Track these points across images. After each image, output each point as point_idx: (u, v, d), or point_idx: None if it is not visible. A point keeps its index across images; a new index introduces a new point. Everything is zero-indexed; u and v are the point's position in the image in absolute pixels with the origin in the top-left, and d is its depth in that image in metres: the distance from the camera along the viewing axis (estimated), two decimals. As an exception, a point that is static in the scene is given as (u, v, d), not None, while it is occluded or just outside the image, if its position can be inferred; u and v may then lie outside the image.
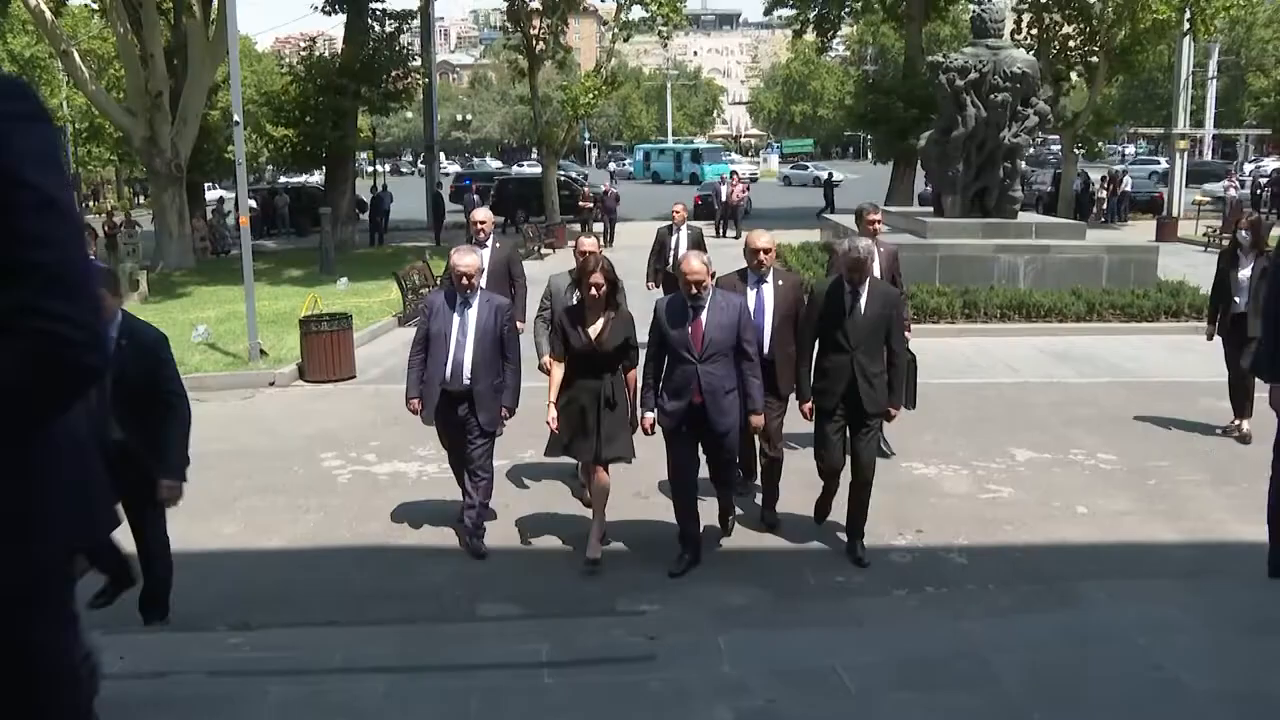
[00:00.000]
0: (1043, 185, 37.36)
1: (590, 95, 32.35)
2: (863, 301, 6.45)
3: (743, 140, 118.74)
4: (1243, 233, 9.22)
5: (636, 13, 32.51)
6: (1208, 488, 7.57)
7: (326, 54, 33.98)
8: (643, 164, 76.82)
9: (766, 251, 7.27)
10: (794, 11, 37.15)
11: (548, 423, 6.76)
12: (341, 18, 31.51)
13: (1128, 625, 4.46)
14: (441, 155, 53.21)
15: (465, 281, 6.86)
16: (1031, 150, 19.43)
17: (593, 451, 6.65)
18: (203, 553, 6.66)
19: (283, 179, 48.92)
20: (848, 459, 6.58)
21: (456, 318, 6.94)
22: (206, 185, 39.27)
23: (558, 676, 4.04)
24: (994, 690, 3.83)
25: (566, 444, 6.76)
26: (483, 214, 9.25)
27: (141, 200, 52.06)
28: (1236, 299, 9.02)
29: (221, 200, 38.28)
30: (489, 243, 8.96)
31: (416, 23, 34.17)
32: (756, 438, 7.23)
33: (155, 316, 17.22)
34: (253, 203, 30.23)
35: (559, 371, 6.78)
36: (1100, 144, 40.03)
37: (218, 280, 21.87)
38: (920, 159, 19.69)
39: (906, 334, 7.07)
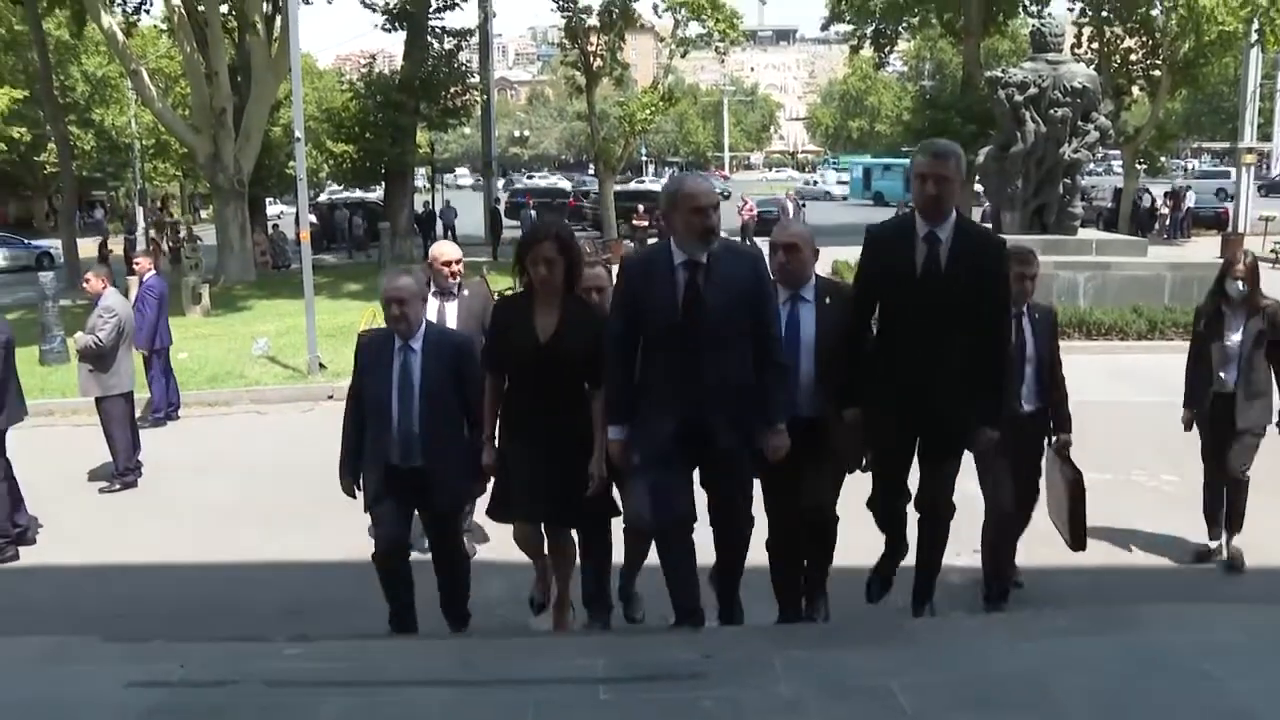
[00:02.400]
0: (1103, 201, 36.88)
1: (647, 111, 32.46)
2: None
3: (799, 156, 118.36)
4: (1235, 283, 6.67)
5: (694, 29, 32.63)
6: (1274, 512, 7.43)
7: (386, 71, 34.40)
8: (861, 182, 65.68)
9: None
10: (851, 27, 37.00)
11: (483, 469, 5.13)
12: (401, 35, 31.90)
13: (1191, 650, 4.37)
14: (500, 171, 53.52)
15: (398, 311, 5.16)
16: (1092, 165, 19.22)
17: (538, 512, 5.00)
18: (267, 563, 6.76)
19: (343, 193, 49.39)
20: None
21: (396, 369, 5.23)
22: (268, 200, 39.81)
23: (613, 692, 4.03)
24: (1054, 713, 3.76)
25: (509, 501, 5.05)
26: (451, 251, 6.88)
27: (204, 215, 52.88)
28: (1222, 374, 6.71)
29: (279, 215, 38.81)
30: (458, 291, 6.73)
31: (475, 40, 34.50)
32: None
33: (216, 330, 17.54)
34: (313, 218, 30.58)
35: (494, 391, 5.06)
36: (1163, 159, 39.46)
37: (278, 294, 22.20)
38: (979, 175, 19.55)
39: None
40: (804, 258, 5.09)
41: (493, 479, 5.19)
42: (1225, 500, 6.72)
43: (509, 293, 5.97)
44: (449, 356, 5.27)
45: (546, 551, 5.33)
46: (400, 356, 5.23)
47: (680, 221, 4.51)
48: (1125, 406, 10.69)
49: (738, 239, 10.79)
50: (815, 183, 69.16)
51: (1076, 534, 5.92)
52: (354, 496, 5.45)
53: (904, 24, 37.85)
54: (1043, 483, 6.13)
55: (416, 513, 5.48)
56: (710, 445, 4.54)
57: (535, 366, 4.84)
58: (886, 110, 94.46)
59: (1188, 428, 6.93)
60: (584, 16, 33.36)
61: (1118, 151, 34.85)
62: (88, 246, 32.46)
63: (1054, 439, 6.04)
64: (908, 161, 73.68)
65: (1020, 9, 34.66)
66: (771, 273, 5.09)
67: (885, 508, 5.09)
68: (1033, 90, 16.79)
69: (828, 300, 5.05)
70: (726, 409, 4.53)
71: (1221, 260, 10.75)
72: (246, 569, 7.06)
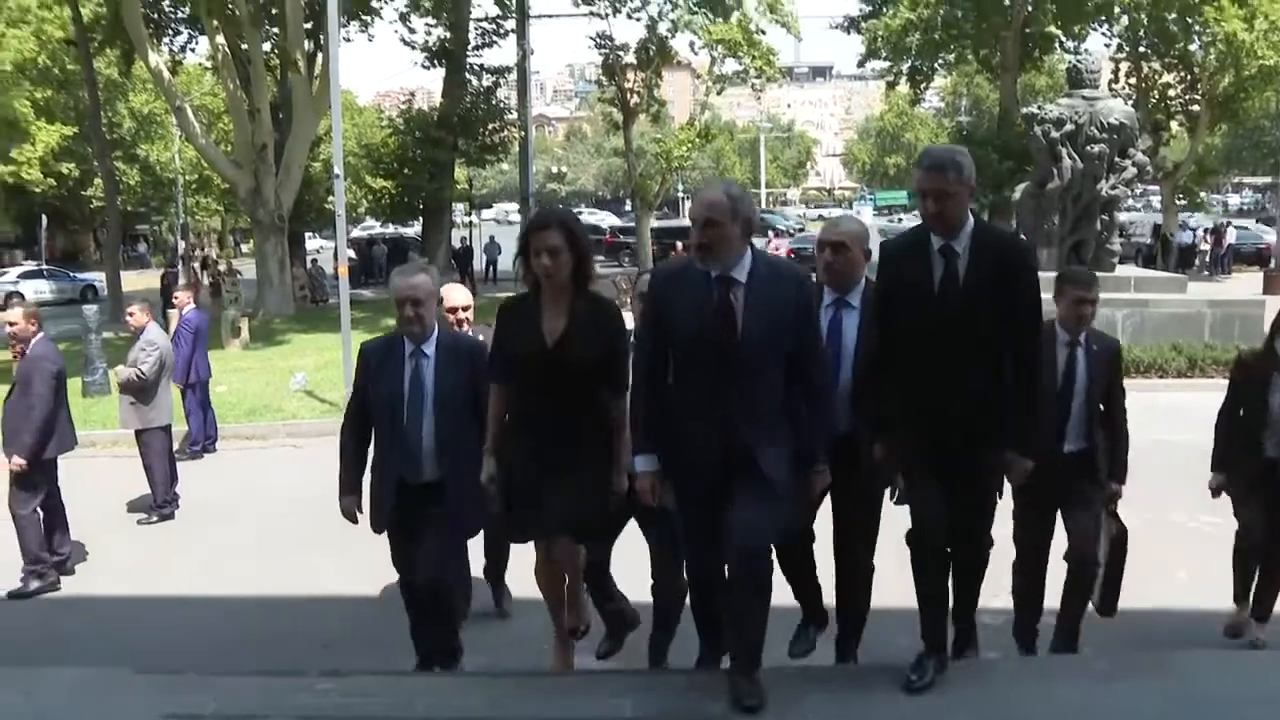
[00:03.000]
0: (1142, 237, 36.62)
1: (684, 148, 32.62)
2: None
3: (836, 193, 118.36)
4: None
5: (730, 66, 32.80)
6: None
7: (425, 107, 34.76)
8: None
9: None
10: (887, 64, 37.05)
11: (483, 483, 4.62)
12: (440, 72, 32.23)
13: (1236, 697, 4.29)
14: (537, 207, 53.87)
15: (412, 312, 4.83)
16: (1130, 201, 19.12)
17: (544, 527, 4.50)
18: (300, 597, 6.79)
19: (379, 228, 49.89)
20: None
21: (407, 376, 4.90)
22: (307, 235, 40.27)
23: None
24: (1090, 760, 3.70)
25: (509, 517, 4.63)
26: (460, 296, 6.18)
27: (244, 249, 53.51)
28: (1266, 441, 5.83)
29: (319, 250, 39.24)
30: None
31: (513, 76, 34.80)
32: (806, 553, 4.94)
33: (255, 363, 17.69)
34: (351, 252, 30.88)
35: (499, 403, 4.60)
36: (1203, 194, 39.18)
37: (316, 328, 22.38)
38: (1015, 212, 19.47)
39: None
40: (853, 258, 4.78)
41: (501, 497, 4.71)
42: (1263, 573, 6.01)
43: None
44: (465, 362, 4.90)
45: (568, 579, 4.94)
46: (412, 362, 4.88)
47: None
48: (1164, 446, 10.53)
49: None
50: (900, 219, 66.82)
51: (1108, 597, 5.55)
52: (354, 520, 5.10)
53: (940, 60, 37.87)
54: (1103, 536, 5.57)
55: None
56: (741, 476, 4.10)
57: (543, 373, 4.36)
58: (923, 146, 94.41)
59: (1216, 494, 6.16)
60: (621, 54, 33.65)
61: (1157, 187, 34.63)
62: (131, 280, 32.96)
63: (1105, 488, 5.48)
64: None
65: (1057, 45, 34.62)
66: (817, 274, 4.88)
67: (918, 549, 4.60)
68: (1069, 126, 16.72)
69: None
70: (760, 438, 4.10)
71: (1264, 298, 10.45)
72: (280, 602, 7.09)
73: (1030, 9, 32.09)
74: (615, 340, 4.44)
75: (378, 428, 4.98)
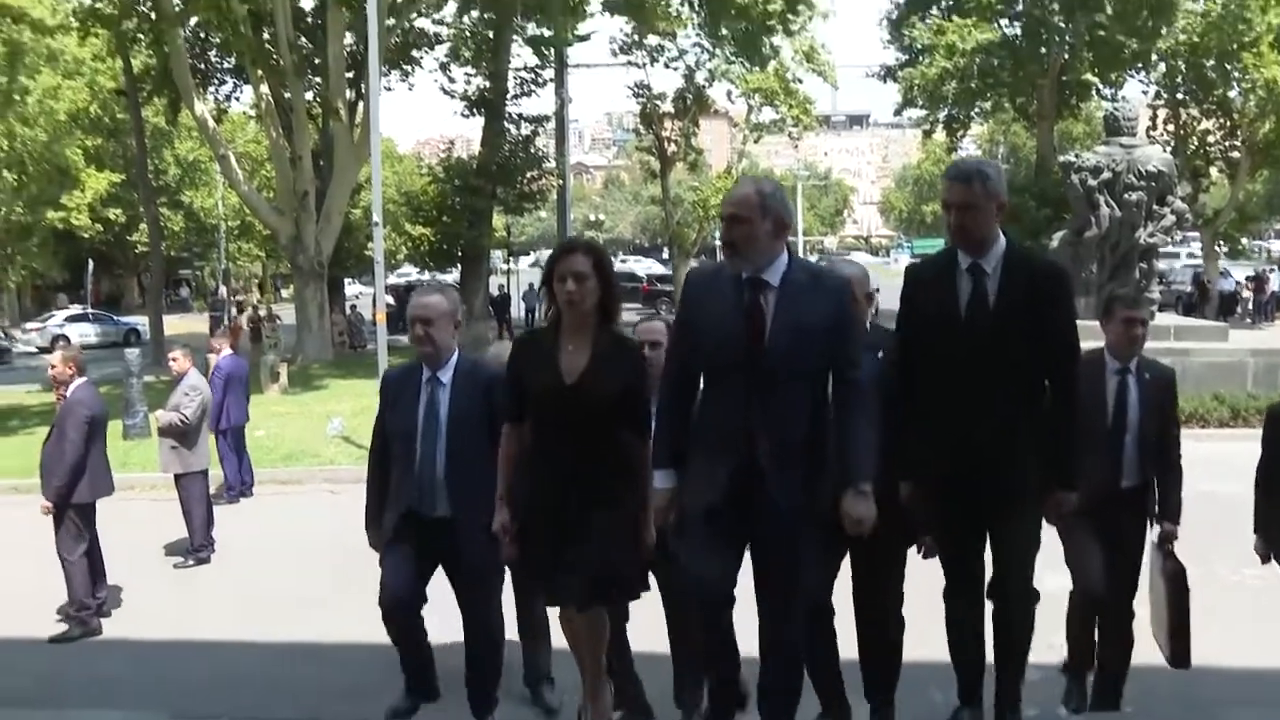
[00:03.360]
0: (1182, 285, 36.31)
1: (721, 196, 32.68)
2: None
3: (873, 240, 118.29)
4: None
5: (767, 114, 33.02)
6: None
7: (464, 155, 35.15)
8: None
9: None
10: (924, 112, 37.17)
11: (495, 531, 4.30)
12: (480, 120, 32.60)
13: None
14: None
15: (422, 332, 4.65)
16: (1170, 248, 19.00)
17: (570, 590, 4.13)
18: (333, 643, 6.79)
19: (415, 274, 50.30)
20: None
21: (422, 404, 4.73)
22: (346, 281, 40.68)
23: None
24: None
25: (528, 575, 4.45)
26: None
27: (284, 294, 54.13)
28: None
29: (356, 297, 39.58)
30: None
31: (552, 125, 35.13)
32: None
33: (293, 408, 17.82)
34: (390, 299, 31.16)
35: (511, 444, 4.30)
36: (1244, 241, 38.84)
37: (353, 374, 22.52)
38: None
39: None
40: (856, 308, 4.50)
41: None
42: None
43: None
44: (482, 390, 4.67)
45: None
46: (428, 389, 4.70)
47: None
48: (1207, 497, 10.35)
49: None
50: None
51: (1179, 645, 5.14)
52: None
53: (976, 109, 37.91)
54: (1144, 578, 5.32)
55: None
56: (763, 505, 3.75)
57: (561, 412, 4.07)
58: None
59: (1265, 559, 5.81)
60: (659, 103, 33.99)
61: (1197, 234, 34.39)
62: (173, 324, 33.35)
63: (1158, 528, 5.20)
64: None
65: (1094, 92, 34.58)
66: None
67: (951, 605, 4.37)
68: (1106, 174, 16.66)
69: (880, 355, 4.39)
70: (785, 460, 3.75)
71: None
72: (314, 648, 7.10)
73: (1067, 57, 32.11)
74: (637, 379, 4.14)
75: (394, 457, 4.81)
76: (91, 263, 46.94)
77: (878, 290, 4.96)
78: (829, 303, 3.81)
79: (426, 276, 47.38)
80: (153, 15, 24.64)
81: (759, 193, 3.84)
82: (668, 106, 35.09)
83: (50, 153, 30.36)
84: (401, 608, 4.74)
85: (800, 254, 4.34)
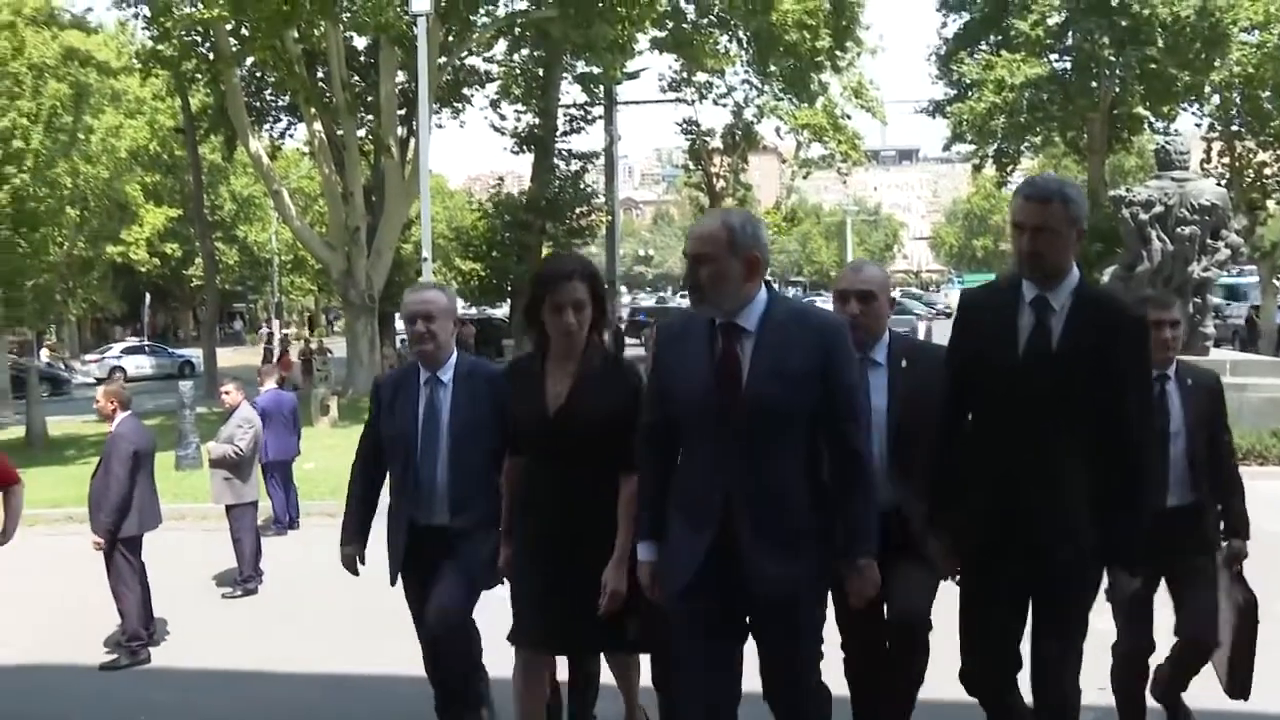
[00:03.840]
0: (1237, 319, 35.74)
1: (770, 231, 32.67)
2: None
3: (923, 275, 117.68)
4: None
5: (816, 150, 33.05)
6: None
7: (514, 191, 35.50)
8: None
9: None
10: (973, 147, 37.04)
11: (500, 566, 4.32)
12: (530, 157, 32.92)
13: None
14: (623, 289, 54.43)
15: (423, 329, 4.41)
16: (1237, 279, 18.76)
17: (563, 637, 4.01)
18: (379, 675, 6.83)
19: (462, 308, 50.76)
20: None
21: (422, 407, 4.50)
22: (396, 315, 41.10)
23: None
24: None
25: (524, 624, 4.07)
26: None
27: (335, 329, 54.78)
28: None
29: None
30: None
31: (601, 161, 35.38)
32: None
33: (342, 441, 17.92)
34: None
35: (512, 475, 4.21)
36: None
37: (403, 406, 22.62)
38: (1105, 294, 19.17)
39: None
40: (879, 308, 4.21)
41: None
42: None
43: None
44: (484, 391, 4.40)
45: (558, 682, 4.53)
46: (426, 391, 4.46)
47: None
48: (1265, 535, 10.15)
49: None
50: None
51: (1239, 676, 4.79)
52: (354, 572, 4.81)
53: (1026, 143, 37.71)
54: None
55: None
56: (748, 580, 3.36)
57: (547, 444, 3.89)
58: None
59: None
60: (708, 139, 34.11)
61: (1254, 267, 33.90)
62: (226, 356, 33.88)
63: (1224, 546, 4.88)
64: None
65: (1146, 126, 34.28)
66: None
67: (980, 688, 3.85)
68: (1159, 208, 16.50)
69: (904, 364, 4.15)
70: (766, 532, 3.34)
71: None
72: (360, 679, 7.14)
73: (1118, 90, 31.90)
74: (628, 401, 3.83)
75: (391, 467, 4.57)
76: (149, 296, 47.97)
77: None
78: (817, 346, 3.37)
79: (474, 311, 47.89)
80: (211, 56, 25.20)
81: (727, 226, 3.38)
82: (716, 142, 35.23)
83: (111, 189, 30.97)
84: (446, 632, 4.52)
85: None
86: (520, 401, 4.03)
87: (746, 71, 33.47)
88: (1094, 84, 32.57)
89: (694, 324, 3.53)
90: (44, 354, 41.00)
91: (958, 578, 3.91)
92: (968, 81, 33.48)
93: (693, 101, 34.16)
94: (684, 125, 35.35)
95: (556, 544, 3.91)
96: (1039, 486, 3.54)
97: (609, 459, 3.84)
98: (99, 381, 28.75)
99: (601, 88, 32.44)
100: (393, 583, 4.72)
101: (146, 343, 45.95)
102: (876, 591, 3.53)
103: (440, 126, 31.67)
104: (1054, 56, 32.98)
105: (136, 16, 25.76)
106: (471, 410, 4.40)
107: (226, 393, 10.08)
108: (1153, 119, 33.33)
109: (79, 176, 25.38)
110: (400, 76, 27.42)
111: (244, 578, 9.36)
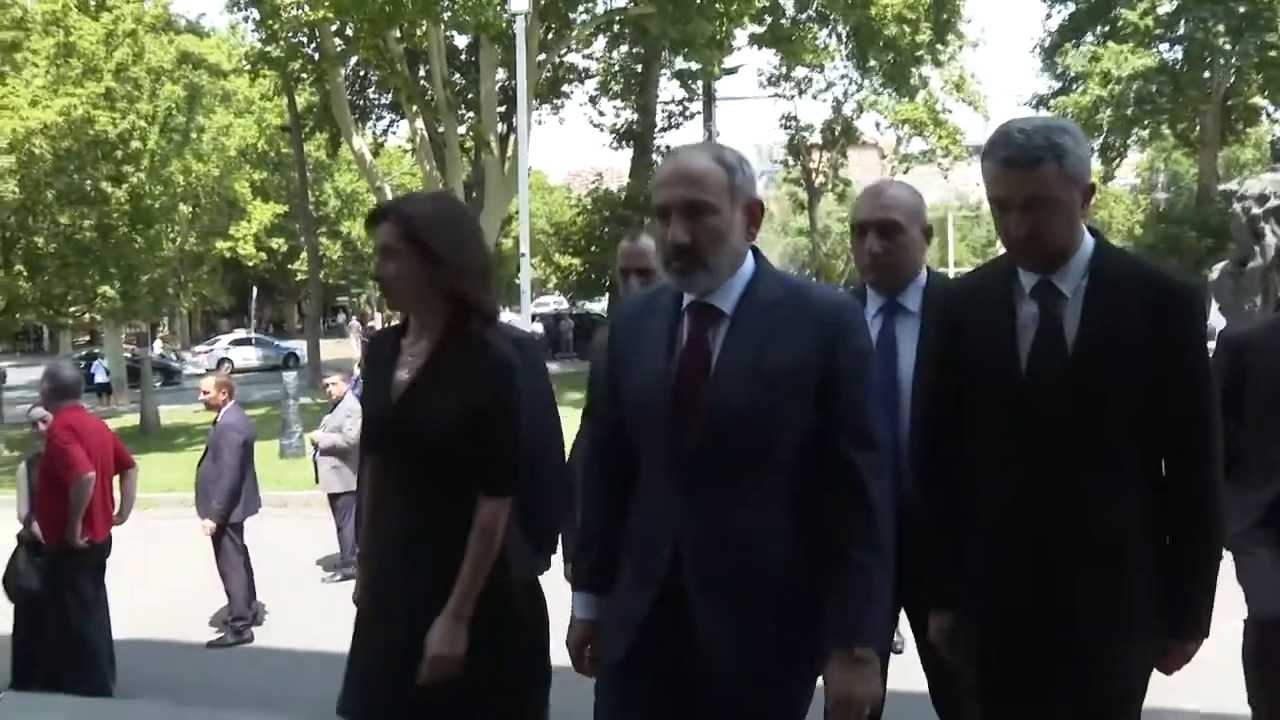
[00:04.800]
0: (1361, 320, 34.39)
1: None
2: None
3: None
4: None
5: (916, 145, 32.62)
6: None
7: (613, 187, 35.70)
8: None
9: None
10: (1078, 140, 36.05)
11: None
12: (628, 152, 33.08)
13: None
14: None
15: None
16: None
17: (356, 698, 2.90)
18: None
19: (554, 303, 51.19)
20: None
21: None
22: (496, 308, 41.57)
23: None
24: None
25: (346, 687, 2.96)
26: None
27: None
28: None
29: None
30: None
31: (699, 157, 35.30)
32: None
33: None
34: (539, 327, 31.79)
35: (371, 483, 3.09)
36: None
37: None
38: (1214, 293, 18.66)
39: None
40: (907, 242, 3.24)
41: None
42: None
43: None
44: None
45: None
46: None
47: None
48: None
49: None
50: None
51: None
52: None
53: (1134, 136, 36.76)
54: None
55: None
56: (701, 665, 2.36)
57: (384, 447, 2.95)
58: (1118, 224, 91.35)
59: None
60: (806, 134, 33.88)
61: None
62: (329, 348, 34.68)
63: None
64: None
65: (1263, 116, 33.18)
66: (858, 268, 3.35)
67: None
68: (1273, 202, 15.98)
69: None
70: (731, 597, 2.34)
71: None
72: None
73: (1233, 80, 30.92)
74: (488, 400, 2.75)
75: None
76: (255, 290, 49.31)
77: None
78: (815, 337, 2.34)
79: (564, 305, 48.30)
80: (316, 56, 25.79)
81: (724, 164, 2.38)
82: (815, 138, 35.01)
83: (221, 186, 32.05)
84: None
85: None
86: (367, 385, 3.10)
87: (846, 66, 33.21)
88: (1206, 74, 31.60)
89: (659, 301, 2.53)
90: (158, 345, 42.49)
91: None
92: (1072, 74, 32.76)
93: (791, 97, 34.01)
94: (783, 120, 35.18)
95: (391, 584, 2.87)
96: (1059, 528, 2.51)
97: (457, 472, 2.78)
98: (207, 372, 29.67)
99: (700, 84, 32.42)
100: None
101: (253, 335, 47.26)
102: (871, 699, 2.34)
103: (540, 123, 31.98)
104: (1164, 47, 32.08)
105: (246, 20, 26.51)
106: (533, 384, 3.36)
107: (332, 384, 10.36)
108: (1271, 109, 32.25)
109: (191, 175, 26.31)
110: (500, 74, 27.74)
111: (345, 563, 9.61)
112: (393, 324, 3.12)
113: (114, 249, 22.21)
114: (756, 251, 2.51)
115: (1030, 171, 2.45)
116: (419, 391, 2.83)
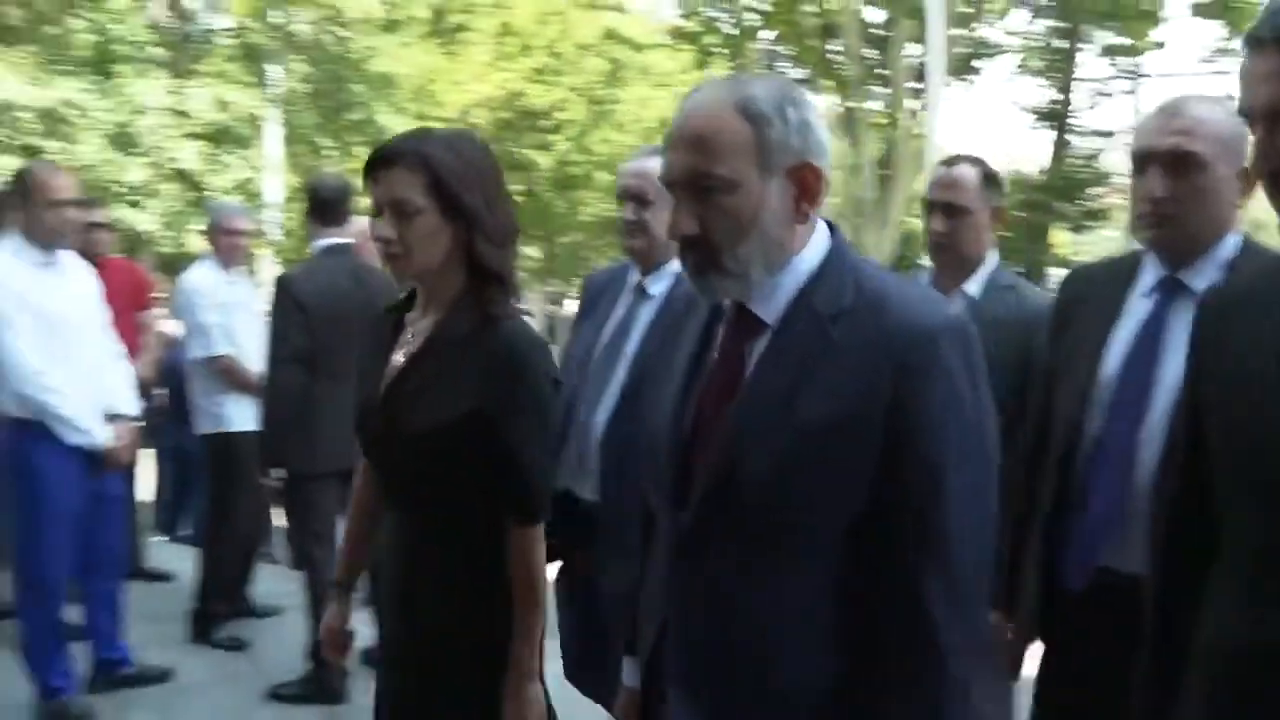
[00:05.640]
0: None
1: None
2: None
3: None
4: None
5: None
6: None
7: (1025, 170, 34.24)
8: None
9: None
10: None
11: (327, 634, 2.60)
12: (1040, 134, 31.65)
13: None
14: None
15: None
16: None
17: None
18: None
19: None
20: None
21: None
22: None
23: None
24: None
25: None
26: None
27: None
28: None
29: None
30: None
31: (1125, 140, 33.25)
32: None
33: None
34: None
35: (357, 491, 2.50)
36: None
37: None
38: None
39: None
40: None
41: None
42: None
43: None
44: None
45: None
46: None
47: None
48: None
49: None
50: None
51: None
52: None
53: None
54: None
55: None
56: None
57: (375, 452, 2.26)
58: None
59: None
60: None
61: None
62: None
63: None
64: None
65: None
66: (1131, 223, 2.35)
67: None
68: None
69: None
70: (709, 699, 1.64)
71: None
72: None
73: None
74: (498, 396, 2.08)
75: None
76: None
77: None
78: (876, 376, 1.53)
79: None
80: (734, 31, 26.34)
81: (745, 113, 1.56)
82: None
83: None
84: None
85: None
86: (367, 370, 2.33)
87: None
88: None
89: (700, 305, 1.78)
90: (568, 305, 45.12)
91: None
92: None
93: (1233, 73, 31.04)
94: (1226, 99, 32.14)
95: (394, 634, 2.30)
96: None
97: (460, 491, 2.14)
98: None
99: (1128, 60, 30.22)
100: None
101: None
102: None
103: (951, 100, 31.10)
104: None
105: (666, -5, 27.61)
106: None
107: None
108: None
109: (610, 144, 27.76)
110: (914, 49, 27.19)
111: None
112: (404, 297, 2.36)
113: (539, 213, 23.85)
114: (835, 232, 1.68)
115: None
116: (409, 381, 2.15)
